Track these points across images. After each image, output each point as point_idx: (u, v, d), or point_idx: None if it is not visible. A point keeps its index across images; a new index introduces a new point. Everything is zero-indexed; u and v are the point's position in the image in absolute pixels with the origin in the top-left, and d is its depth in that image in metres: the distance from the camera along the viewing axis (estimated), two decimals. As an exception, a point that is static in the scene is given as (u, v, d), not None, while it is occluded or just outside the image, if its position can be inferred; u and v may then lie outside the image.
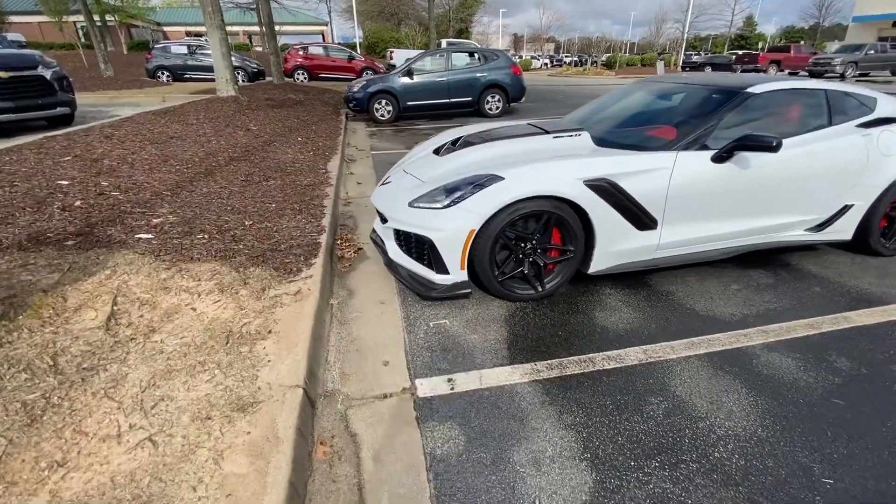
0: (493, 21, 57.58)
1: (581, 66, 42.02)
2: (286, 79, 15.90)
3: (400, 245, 2.72)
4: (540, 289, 2.58)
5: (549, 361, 2.09)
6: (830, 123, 2.86)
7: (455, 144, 3.18)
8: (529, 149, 2.79)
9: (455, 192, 2.44)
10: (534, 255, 2.54)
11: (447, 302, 2.60)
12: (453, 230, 2.36)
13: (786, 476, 1.52)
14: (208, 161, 4.77)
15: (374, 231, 3.15)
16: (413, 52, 21.25)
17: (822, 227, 2.91)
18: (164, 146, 5.19)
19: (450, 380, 1.98)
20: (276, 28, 14.90)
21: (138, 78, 15.64)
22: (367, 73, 17.96)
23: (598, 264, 2.61)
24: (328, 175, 4.97)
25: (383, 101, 9.97)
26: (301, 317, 2.20)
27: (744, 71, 25.70)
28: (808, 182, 2.75)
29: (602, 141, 2.87)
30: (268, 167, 4.82)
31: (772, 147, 2.38)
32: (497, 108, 10.51)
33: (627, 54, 50.74)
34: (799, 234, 2.91)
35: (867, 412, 1.78)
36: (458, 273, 2.46)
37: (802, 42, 37.67)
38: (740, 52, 30.34)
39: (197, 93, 11.68)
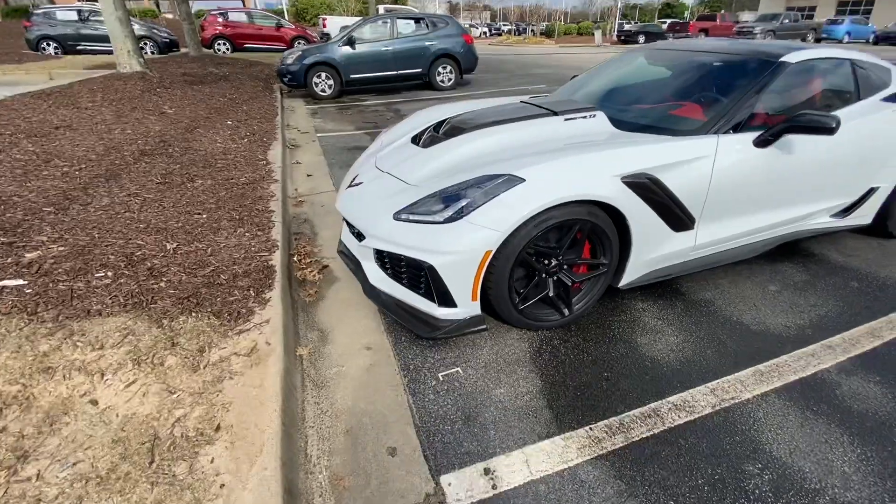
0: (428, -13, 55.25)
1: (521, 34, 41.51)
2: (205, 50, 14.02)
3: (384, 268, 2.10)
4: (567, 312, 2.08)
5: (606, 422, 1.61)
6: (859, 98, 2.54)
7: (439, 131, 2.55)
8: (540, 137, 2.23)
9: (458, 199, 1.85)
10: (559, 273, 2.02)
11: (452, 339, 2.04)
12: (462, 252, 1.77)
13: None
14: (110, 158, 3.76)
15: (342, 244, 2.49)
16: (348, 20, 19.68)
17: (847, 212, 2.64)
18: (46, 140, 4.06)
19: (487, 470, 1.44)
20: (187, -10, 12.93)
21: (17, 50, 13.11)
22: (299, 43, 16.30)
23: (630, 276, 2.15)
24: (270, 167, 4.14)
25: (323, 75, 8.93)
26: (263, 394, 1.55)
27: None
28: (844, 165, 2.44)
29: (620, 123, 2.37)
30: (192, 162, 3.90)
31: (830, 129, 1.99)
32: (450, 80, 9.79)
33: (564, 23, 50.89)
34: (825, 221, 2.62)
35: None
36: (468, 305, 1.89)
37: (723, 11, 39.52)
38: (670, 21, 31.23)
39: (94, 68, 9.88)
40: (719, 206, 2.18)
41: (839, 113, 2.42)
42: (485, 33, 50.70)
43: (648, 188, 1.96)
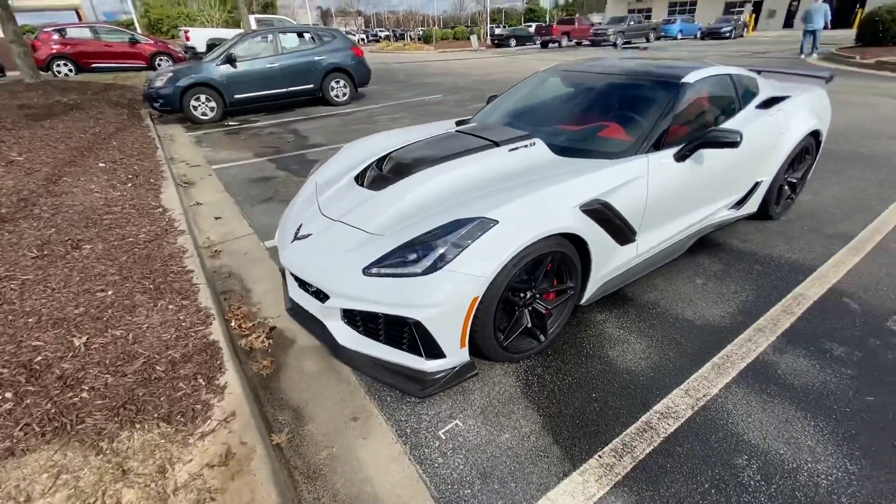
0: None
1: (400, 41, 41.90)
2: (42, 73, 11.82)
3: (355, 326, 1.96)
4: (544, 338, 2.13)
5: (611, 445, 1.68)
6: (741, 107, 2.99)
7: (383, 168, 2.44)
8: (492, 171, 2.24)
9: (434, 248, 1.78)
10: (534, 303, 2.07)
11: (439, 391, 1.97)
12: (448, 303, 1.72)
13: (913, 521, 1.41)
14: (-48, 230, 2.98)
15: (291, 302, 2.27)
16: (217, 32, 18.11)
17: (740, 204, 3.09)
18: None
19: (523, 530, 1.41)
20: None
21: None
22: (161, 60, 14.60)
23: (589, 292, 2.28)
24: (169, 215, 3.65)
25: (202, 97, 8.13)
26: (260, 510, 1.34)
27: (543, 43, 28.81)
28: (739, 166, 2.84)
29: (555, 147, 2.49)
30: (70, 222, 3.25)
31: (736, 143, 2.30)
32: (344, 94, 9.53)
33: (438, 28, 52.52)
34: (725, 214, 3.04)
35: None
36: (457, 353, 1.84)
37: (578, 15, 44.08)
38: (535, 25, 33.91)
39: None
40: (654, 217, 2.41)
41: (729, 123, 2.83)
42: (363, 40, 50.37)
43: (602, 212, 2.08)
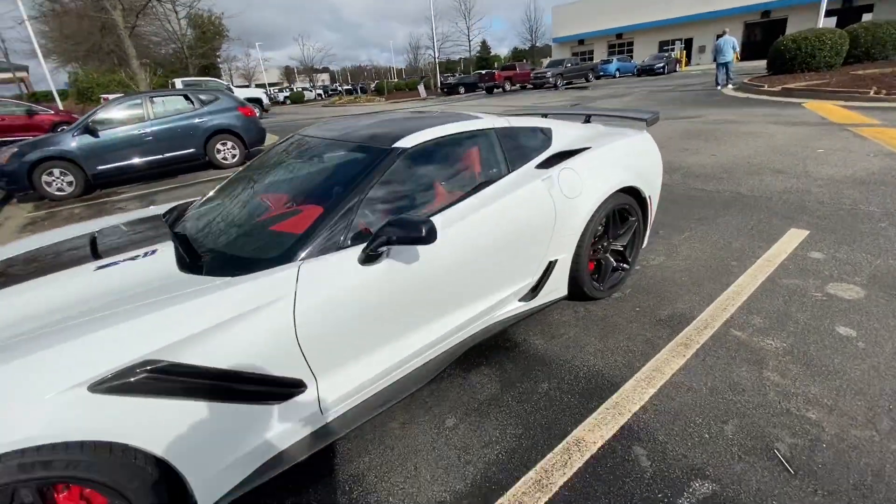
0: (254, 54, 53.94)
1: (353, 94, 42.57)
2: None
3: None
4: None
5: None
6: (510, 170, 2.27)
7: None
8: (49, 306, 1.41)
9: None
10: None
11: None
12: None
13: None
14: None
15: None
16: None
17: (535, 291, 2.33)
18: None
19: None
20: None
21: None
22: (62, 130, 13.80)
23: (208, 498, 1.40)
24: None
25: (56, 172, 7.28)
26: None
27: (488, 89, 29.37)
28: (503, 248, 2.08)
29: (200, 256, 1.69)
30: None
31: (423, 239, 1.54)
32: (234, 156, 8.84)
33: (396, 80, 53.94)
34: (516, 307, 2.26)
35: None
36: None
37: (524, 60, 45.95)
38: (481, 72, 34.87)
39: None
40: (335, 348, 1.59)
41: (482, 194, 2.10)
42: (319, 96, 51.20)
43: (170, 382, 1.24)
